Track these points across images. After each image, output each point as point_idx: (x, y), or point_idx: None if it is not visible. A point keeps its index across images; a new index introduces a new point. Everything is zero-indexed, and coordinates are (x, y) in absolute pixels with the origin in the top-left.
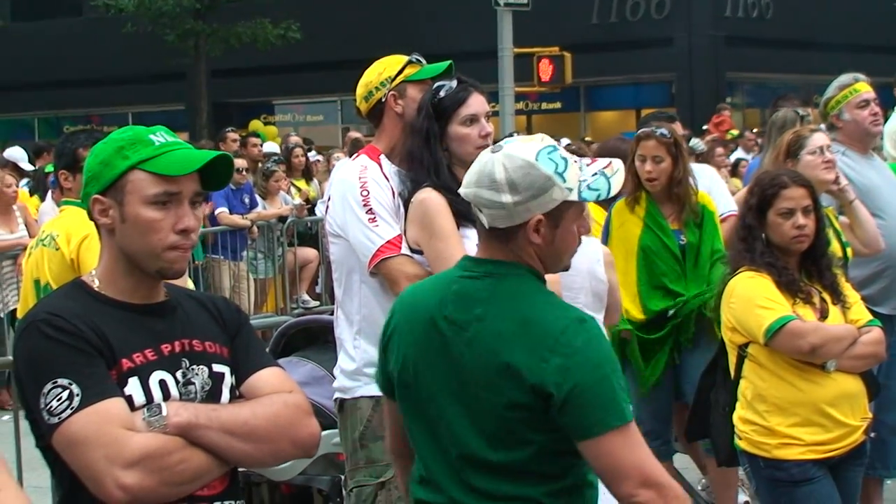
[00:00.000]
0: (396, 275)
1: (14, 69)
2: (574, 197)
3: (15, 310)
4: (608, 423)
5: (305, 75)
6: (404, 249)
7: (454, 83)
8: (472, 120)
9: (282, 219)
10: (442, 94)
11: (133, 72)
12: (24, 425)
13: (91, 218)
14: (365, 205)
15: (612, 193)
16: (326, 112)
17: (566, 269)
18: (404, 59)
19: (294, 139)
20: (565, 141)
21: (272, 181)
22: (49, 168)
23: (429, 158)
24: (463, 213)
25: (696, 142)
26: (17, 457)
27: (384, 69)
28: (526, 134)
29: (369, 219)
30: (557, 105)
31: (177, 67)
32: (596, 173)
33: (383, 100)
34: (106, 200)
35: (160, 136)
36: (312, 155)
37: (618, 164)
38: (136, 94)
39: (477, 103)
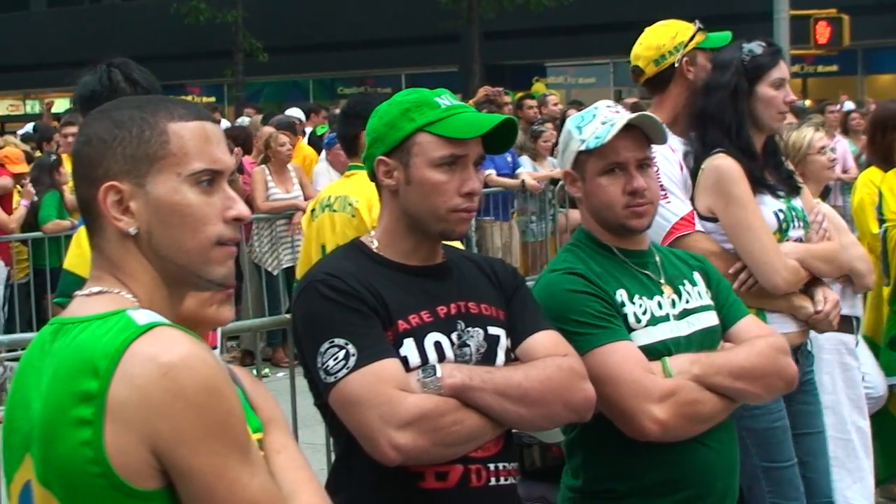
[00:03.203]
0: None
1: (289, 32)
2: (584, 147)
3: (289, 268)
4: None
5: (578, 37)
6: (698, 225)
7: (759, 44)
8: (780, 84)
9: (553, 181)
10: (754, 52)
11: (407, 34)
12: (300, 383)
13: (373, 179)
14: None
15: (610, 136)
16: (599, 74)
17: (627, 229)
18: (692, 25)
19: (551, 98)
20: (849, 104)
21: (541, 142)
22: (321, 129)
23: (731, 115)
24: (758, 180)
25: None
26: (293, 414)
27: (676, 33)
28: (804, 98)
29: (661, 195)
30: (834, 68)
31: (450, 29)
32: (611, 119)
33: (675, 65)
34: (391, 162)
35: (445, 98)
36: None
37: (627, 113)
38: (410, 57)
39: (785, 68)
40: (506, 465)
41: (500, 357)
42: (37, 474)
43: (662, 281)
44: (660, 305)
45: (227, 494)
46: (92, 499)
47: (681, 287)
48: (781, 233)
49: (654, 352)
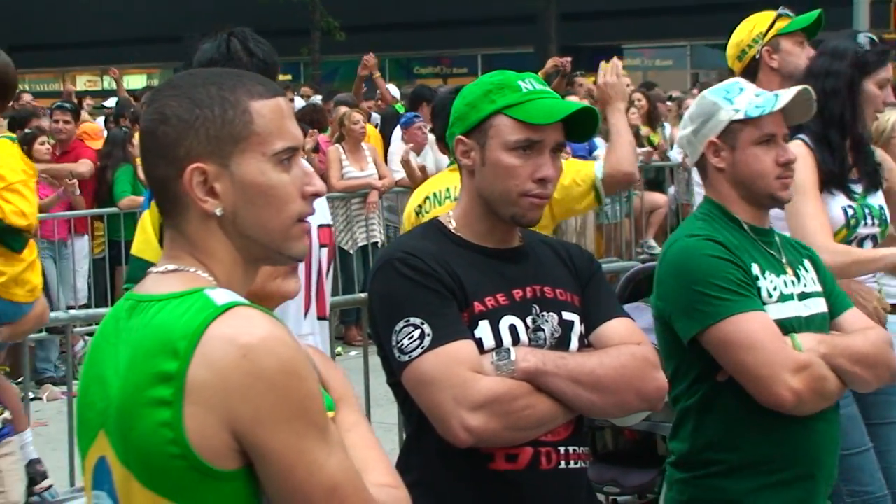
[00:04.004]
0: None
1: (366, 11)
2: (741, 115)
3: (364, 247)
4: None
5: (656, 19)
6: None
7: (868, 37)
8: (884, 84)
9: None
10: (864, 46)
11: (483, 14)
12: (373, 362)
13: (453, 158)
14: None
15: (778, 106)
16: (676, 57)
17: (775, 199)
18: (772, 13)
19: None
20: None
21: None
22: (398, 108)
23: (841, 105)
24: (830, 174)
25: None
26: (365, 393)
27: (754, 25)
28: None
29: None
30: None
31: (527, 10)
32: (766, 94)
33: (757, 56)
34: (469, 142)
35: (529, 82)
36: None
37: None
38: (486, 37)
39: (890, 69)
40: (576, 448)
41: (574, 343)
42: (116, 453)
43: (784, 261)
44: (785, 284)
45: (306, 475)
46: (171, 479)
47: (798, 270)
48: (849, 229)
49: (782, 328)
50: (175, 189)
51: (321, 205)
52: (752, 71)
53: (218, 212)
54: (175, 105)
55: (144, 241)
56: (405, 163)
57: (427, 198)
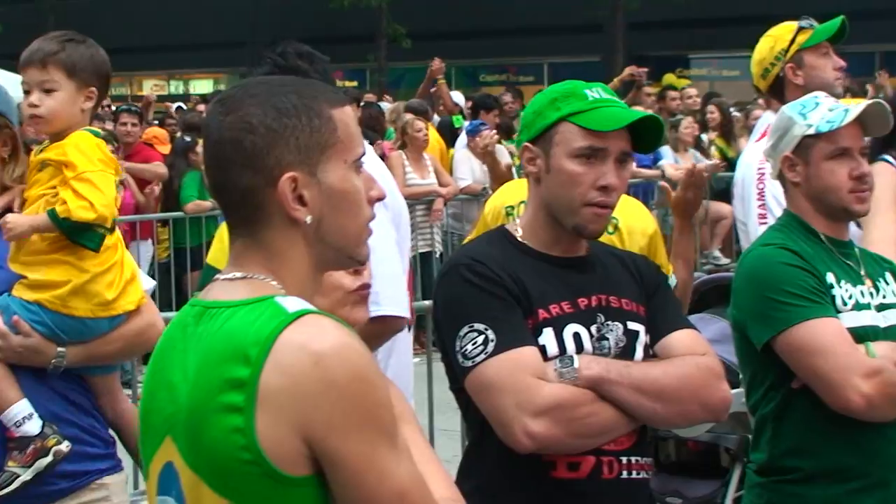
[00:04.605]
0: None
1: (433, 18)
2: (812, 131)
3: (424, 253)
4: None
5: (723, 29)
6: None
7: None
8: None
9: None
10: None
11: (551, 22)
12: (436, 369)
13: (521, 165)
14: (759, 197)
15: (847, 121)
16: (743, 67)
17: (849, 213)
18: (793, 25)
19: (691, 91)
20: None
21: (682, 132)
22: (456, 121)
23: None
24: None
25: None
26: (428, 400)
27: (774, 42)
28: None
29: (759, 214)
30: None
31: (594, 19)
32: (839, 108)
33: (781, 74)
34: (534, 149)
35: (596, 91)
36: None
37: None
38: (553, 45)
39: None
40: (638, 458)
41: (639, 353)
42: (185, 458)
43: (863, 273)
44: (862, 294)
45: (376, 482)
46: (242, 484)
47: (878, 282)
48: None
49: (856, 336)
50: (260, 198)
51: None
52: (778, 89)
53: (308, 219)
54: (260, 114)
55: (221, 250)
56: (488, 154)
57: (524, 202)
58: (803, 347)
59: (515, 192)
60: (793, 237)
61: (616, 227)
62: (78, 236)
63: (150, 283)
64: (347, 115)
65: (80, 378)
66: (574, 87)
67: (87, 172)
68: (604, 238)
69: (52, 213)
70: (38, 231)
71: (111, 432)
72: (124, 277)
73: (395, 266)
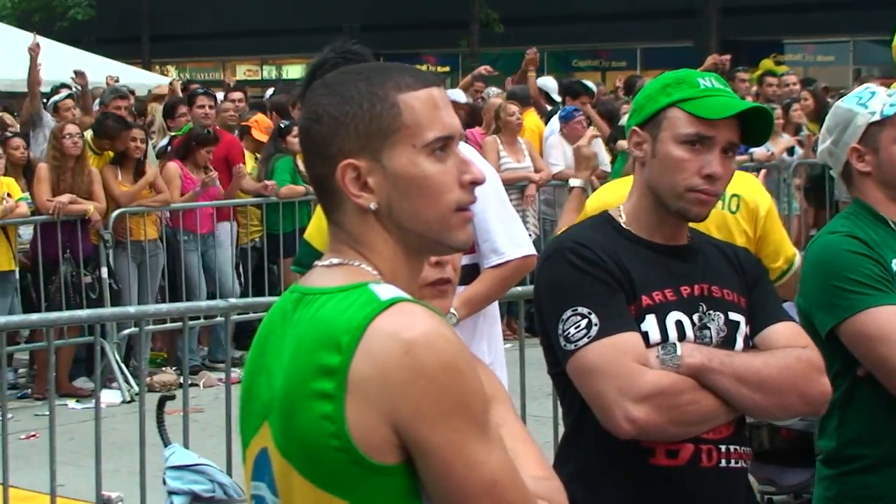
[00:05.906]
0: None
1: (526, 4)
2: (877, 117)
3: None
4: None
5: (818, 15)
6: None
7: None
8: None
9: (790, 152)
10: None
11: (643, 7)
12: (528, 354)
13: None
14: None
15: None
16: (838, 53)
17: None
18: None
19: (791, 78)
20: None
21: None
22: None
23: None
24: None
25: None
26: (521, 386)
27: None
28: None
29: None
30: None
31: (687, 4)
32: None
33: None
34: (642, 133)
35: (708, 80)
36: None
37: None
38: (645, 30)
39: None
40: (737, 447)
41: (739, 343)
42: (277, 444)
43: None
44: None
45: (465, 472)
46: (331, 471)
47: None
48: None
49: None
50: (332, 186)
51: None
52: None
53: (372, 206)
54: (326, 103)
55: (317, 227)
56: (581, 150)
57: None
58: (867, 335)
59: (619, 192)
60: (860, 224)
61: (738, 206)
62: None
63: None
64: (419, 100)
65: None
66: (687, 74)
67: None
68: (728, 219)
69: None
70: None
71: None
72: None
73: (503, 210)
